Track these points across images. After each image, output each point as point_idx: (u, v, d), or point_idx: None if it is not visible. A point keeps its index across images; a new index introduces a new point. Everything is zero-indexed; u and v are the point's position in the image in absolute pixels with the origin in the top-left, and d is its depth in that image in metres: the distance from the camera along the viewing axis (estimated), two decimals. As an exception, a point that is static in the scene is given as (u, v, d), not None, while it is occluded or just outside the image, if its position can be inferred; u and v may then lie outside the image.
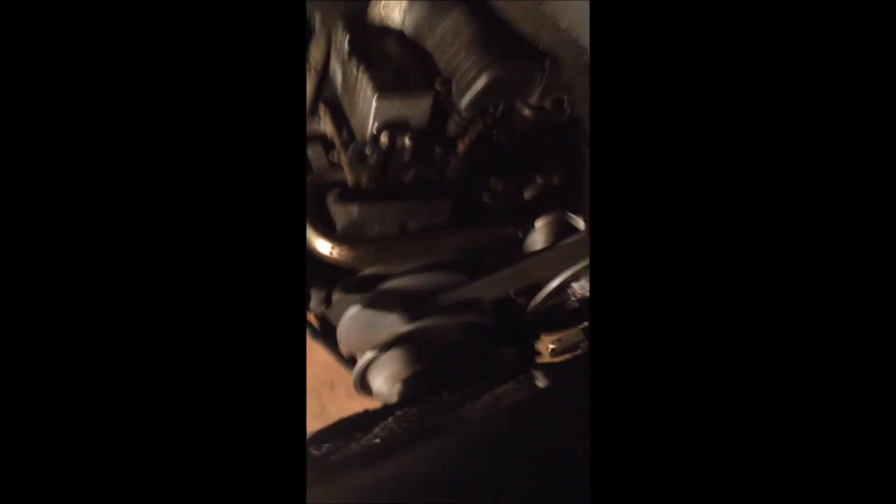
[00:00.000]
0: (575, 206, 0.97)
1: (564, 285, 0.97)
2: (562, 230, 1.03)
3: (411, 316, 0.90)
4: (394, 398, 0.91)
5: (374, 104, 0.76)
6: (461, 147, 0.87)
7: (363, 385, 0.98)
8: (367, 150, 0.78)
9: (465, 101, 0.82)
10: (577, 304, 1.01)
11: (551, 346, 0.89)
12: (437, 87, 0.82)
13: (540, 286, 0.97)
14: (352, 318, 0.91)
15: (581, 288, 1.00)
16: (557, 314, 1.04)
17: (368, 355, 0.92)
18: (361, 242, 0.77)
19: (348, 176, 0.80)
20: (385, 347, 0.91)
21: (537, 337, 1.10)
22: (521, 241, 0.99)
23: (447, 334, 0.93)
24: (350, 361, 1.08)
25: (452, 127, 0.87)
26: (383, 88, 0.76)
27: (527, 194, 1.02)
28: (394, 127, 0.79)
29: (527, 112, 0.87)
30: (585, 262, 0.94)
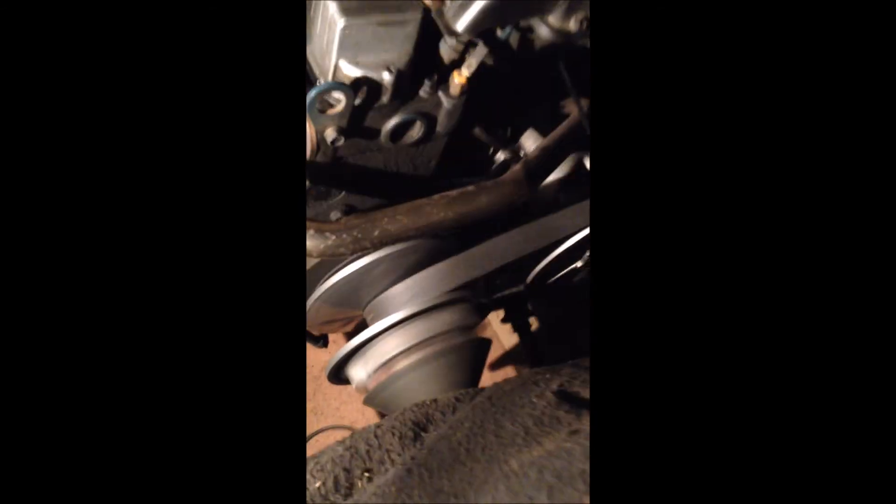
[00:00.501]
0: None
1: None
2: (578, 178, 0.84)
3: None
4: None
5: (338, 32, 0.54)
6: (457, 83, 0.65)
7: (338, 376, 0.81)
8: (335, 94, 0.57)
9: (464, 21, 0.60)
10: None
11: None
12: (427, 1, 0.60)
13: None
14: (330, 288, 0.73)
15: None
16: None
17: (350, 346, 0.75)
18: (333, 230, 0.56)
19: (308, 130, 0.58)
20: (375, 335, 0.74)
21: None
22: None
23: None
24: (319, 339, 0.90)
25: (446, 55, 0.65)
26: (349, 11, 0.53)
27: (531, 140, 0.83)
28: (368, 61, 0.58)
29: (545, 33, 0.65)
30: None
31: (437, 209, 0.63)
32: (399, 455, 0.57)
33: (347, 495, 0.53)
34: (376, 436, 0.59)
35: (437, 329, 0.75)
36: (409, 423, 0.60)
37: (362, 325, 0.80)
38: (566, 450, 0.43)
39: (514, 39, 0.67)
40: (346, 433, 0.62)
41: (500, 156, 0.87)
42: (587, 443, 0.43)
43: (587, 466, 0.41)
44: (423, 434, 0.60)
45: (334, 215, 0.73)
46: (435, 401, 0.65)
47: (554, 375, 0.59)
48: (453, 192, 0.65)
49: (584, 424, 0.49)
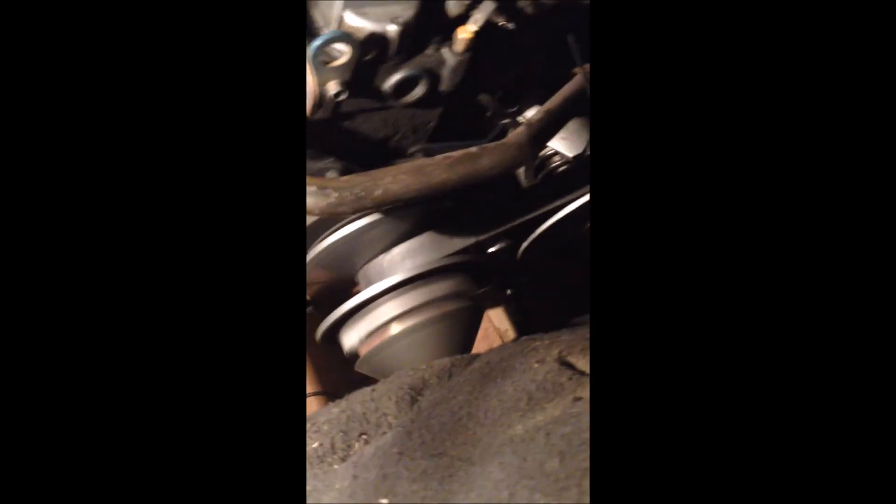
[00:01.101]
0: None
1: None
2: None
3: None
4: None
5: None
6: (462, 38, 0.63)
7: (331, 339, 0.79)
8: (339, 46, 0.54)
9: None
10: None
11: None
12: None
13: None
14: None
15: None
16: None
17: (344, 308, 0.73)
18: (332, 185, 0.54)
19: (310, 82, 0.56)
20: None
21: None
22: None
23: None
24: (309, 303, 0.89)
25: (453, 9, 0.63)
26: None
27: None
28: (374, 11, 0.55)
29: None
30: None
31: (440, 170, 0.61)
32: (395, 418, 0.56)
33: (345, 458, 0.52)
34: (372, 399, 0.58)
35: (432, 295, 0.74)
36: (406, 386, 0.59)
37: (348, 293, 0.78)
38: (574, 415, 0.43)
39: (522, -2, 0.65)
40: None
41: (501, 121, 0.85)
42: None
43: None
44: (419, 398, 0.59)
45: (331, 174, 0.71)
46: (430, 365, 0.64)
47: (553, 342, 0.58)
48: (456, 154, 0.63)
49: (588, 392, 0.48)
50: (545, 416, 0.44)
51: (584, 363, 0.55)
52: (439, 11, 0.63)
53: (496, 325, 1.35)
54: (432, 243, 0.75)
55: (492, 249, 0.79)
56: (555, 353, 0.56)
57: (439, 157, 0.62)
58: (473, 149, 0.64)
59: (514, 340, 0.64)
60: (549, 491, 0.37)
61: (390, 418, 0.56)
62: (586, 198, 0.76)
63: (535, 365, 0.53)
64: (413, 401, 0.58)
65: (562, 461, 0.37)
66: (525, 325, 1.11)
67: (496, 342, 1.20)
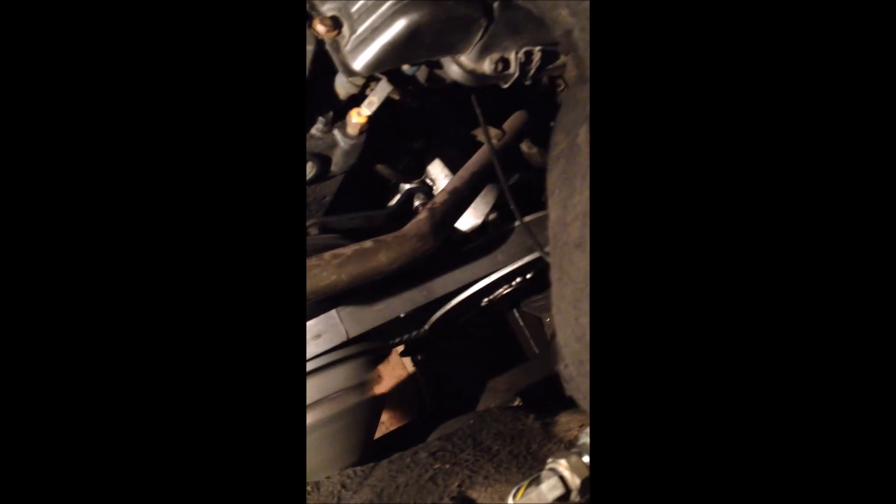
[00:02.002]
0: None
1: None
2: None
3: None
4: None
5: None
6: (356, 122, 0.57)
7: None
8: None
9: (364, 59, 0.51)
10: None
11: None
12: (319, 28, 0.51)
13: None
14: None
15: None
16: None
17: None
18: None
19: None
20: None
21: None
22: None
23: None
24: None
25: (342, 90, 0.56)
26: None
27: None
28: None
29: (455, 73, 0.57)
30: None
31: (329, 271, 0.55)
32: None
33: None
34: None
35: (328, 389, 0.67)
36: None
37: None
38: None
39: (421, 74, 0.59)
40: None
41: (405, 186, 0.80)
42: None
43: None
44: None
45: (314, 231, 0.64)
46: (317, 486, 0.57)
47: (454, 467, 0.53)
48: (347, 250, 0.56)
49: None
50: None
51: (485, 496, 0.50)
52: (327, 87, 0.57)
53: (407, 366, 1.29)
54: (335, 328, 0.68)
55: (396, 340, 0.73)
56: (453, 486, 0.50)
57: (327, 255, 0.56)
58: (368, 243, 0.58)
59: (413, 453, 0.58)
60: None
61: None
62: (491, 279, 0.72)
63: (431, 508, 0.47)
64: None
65: None
66: (436, 387, 1.05)
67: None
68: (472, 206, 0.77)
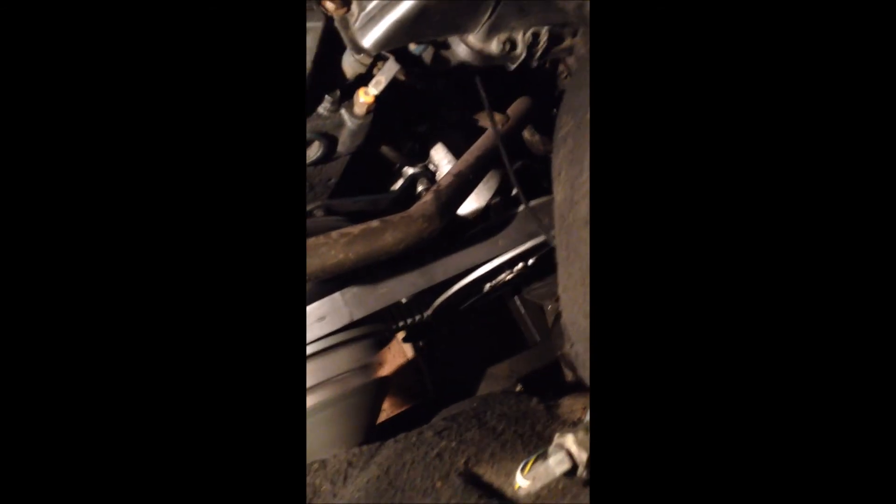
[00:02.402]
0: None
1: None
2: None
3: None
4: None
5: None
6: (363, 102, 0.57)
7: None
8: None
9: (373, 37, 0.51)
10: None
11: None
12: (328, 5, 0.51)
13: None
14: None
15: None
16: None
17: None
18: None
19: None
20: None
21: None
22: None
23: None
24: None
25: (350, 69, 0.56)
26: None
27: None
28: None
29: (463, 52, 0.57)
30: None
31: (336, 249, 0.55)
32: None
33: None
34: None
35: (332, 370, 0.67)
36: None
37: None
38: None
39: (427, 55, 0.59)
40: None
41: (409, 170, 0.80)
42: None
43: None
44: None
45: (318, 213, 0.64)
46: (324, 464, 0.57)
47: (460, 445, 0.53)
48: (355, 229, 0.57)
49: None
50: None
51: (492, 474, 0.50)
52: (334, 66, 0.57)
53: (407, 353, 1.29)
54: (338, 310, 0.68)
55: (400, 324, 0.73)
56: (460, 462, 0.50)
57: (335, 233, 0.56)
58: (375, 223, 0.58)
59: (419, 433, 0.58)
60: None
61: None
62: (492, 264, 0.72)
63: (438, 483, 0.47)
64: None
65: None
66: (438, 373, 1.06)
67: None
68: (475, 190, 0.77)
